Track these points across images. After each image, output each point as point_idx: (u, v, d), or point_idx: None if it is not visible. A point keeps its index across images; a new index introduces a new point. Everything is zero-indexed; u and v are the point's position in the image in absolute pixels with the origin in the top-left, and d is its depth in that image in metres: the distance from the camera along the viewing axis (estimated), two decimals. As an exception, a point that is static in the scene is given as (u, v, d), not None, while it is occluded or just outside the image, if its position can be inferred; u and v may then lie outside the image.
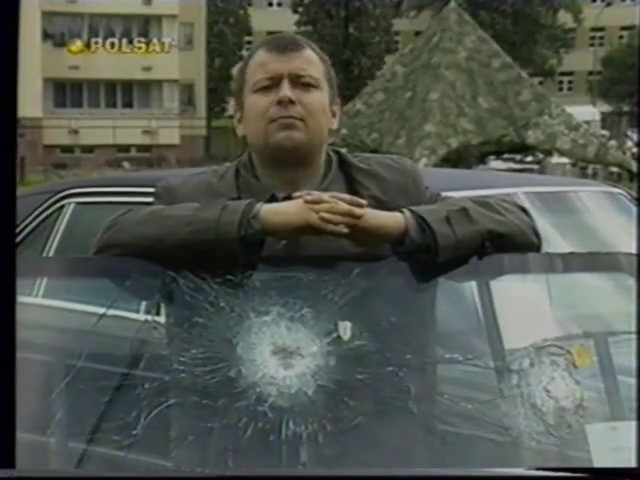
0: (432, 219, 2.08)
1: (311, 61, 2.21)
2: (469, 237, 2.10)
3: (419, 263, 2.10)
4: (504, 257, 2.17)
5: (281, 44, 2.21)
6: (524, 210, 2.23)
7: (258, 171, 2.21)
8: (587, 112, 37.47)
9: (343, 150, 2.35)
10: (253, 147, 2.22)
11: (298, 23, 49.77)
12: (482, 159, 19.15)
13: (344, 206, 2.05)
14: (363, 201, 2.08)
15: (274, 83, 2.17)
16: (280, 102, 2.15)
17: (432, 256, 2.07)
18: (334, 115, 2.26)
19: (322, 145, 2.22)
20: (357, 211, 2.05)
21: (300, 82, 2.18)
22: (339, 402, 2.04)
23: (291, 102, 2.15)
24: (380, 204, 2.13)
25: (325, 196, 2.06)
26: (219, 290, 2.06)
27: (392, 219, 2.08)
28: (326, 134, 2.22)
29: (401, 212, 2.09)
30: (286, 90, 2.16)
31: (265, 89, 2.18)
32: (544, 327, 2.19)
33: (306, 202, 2.05)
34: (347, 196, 2.08)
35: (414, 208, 2.11)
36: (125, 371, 2.07)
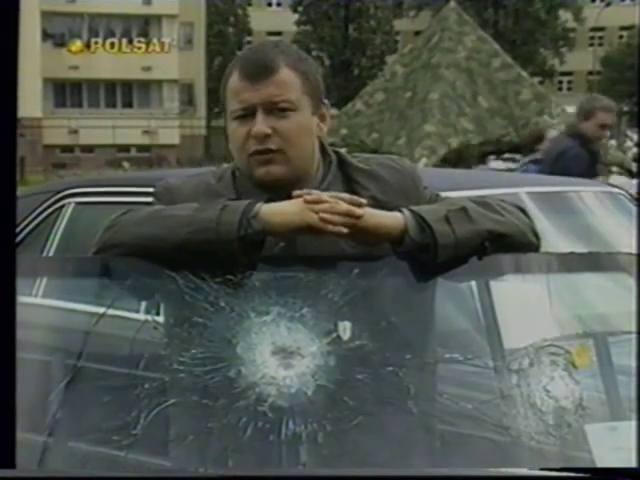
0: (431, 218, 2.08)
1: (286, 83, 2.14)
2: (469, 236, 2.10)
3: (419, 263, 2.10)
4: (504, 257, 2.17)
5: (252, 70, 2.13)
6: (523, 210, 2.24)
7: (237, 161, 2.21)
8: (587, 112, 37.37)
9: (343, 150, 2.35)
10: (240, 170, 2.21)
11: (298, 23, 49.77)
12: (482, 159, 19.14)
13: (344, 206, 2.05)
14: (363, 200, 2.08)
15: (248, 113, 2.13)
16: (255, 137, 2.12)
17: (432, 255, 2.07)
18: (323, 119, 2.22)
19: (310, 158, 2.19)
20: (357, 211, 2.05)
21: (275, 109, 2.13)
22: (339, 402, 2.04)
23: (266, 136, 2.12)
24: (379, 204, 2.13)
25: (325, 196, 2.06)
26: (219, 290, 2.06)
27: (392, 219, 2.08)
28: (313, 147, 2.20)
29: (400, 212, 2.09)
30: (260, 124, 2.11)
31: (241, 118, 2.14)
32: (544, 327, 2.19)
33: (306, 202, 2.05)
34: (347, 195, 2.08)
35: (413, 207, 2.11)
36: (125, 371, 2.07)
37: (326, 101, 2.25)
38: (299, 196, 2.06)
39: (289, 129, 2.13)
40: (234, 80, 2.16)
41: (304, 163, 2.17)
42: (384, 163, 2.27)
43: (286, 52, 2.18)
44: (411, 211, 2.09)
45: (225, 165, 2.31)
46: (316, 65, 2.25)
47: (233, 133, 2.17)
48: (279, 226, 2.04)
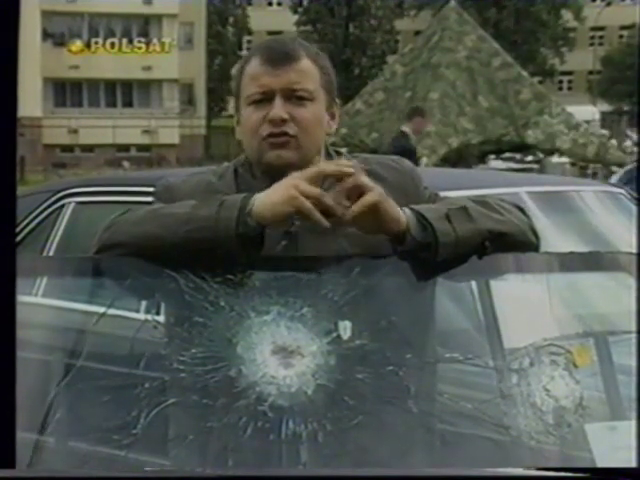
0: (432, 217, 2.08)
1: (306, 73, 2.17)
2: (469, 235, 2.10)
3: (419, 262, 2.10)
4: (504, 257, 2.17)
5: (274, 56, 2.17)
6: (522, 210, 2.24)
7: (256, 172, 2.21)
8: (587, 111, 37.45)
9: (343, 150, 2.35)
10: (248, 156, 2.22)
11: (298, 23, 49.76)
12: (482, 158, 19.14)
13: (328, 201, 2.03)
14: (349, 163, 2.08)
15: (267, 98, 2.15)
16: (271, 121, 2.13)
17: (432, 254, 2.07)
18: (333, 117, 2.24)
19: (318, 151, 2.20)
20: (346, 170, 2.03)
21: (294, 96, 2.15)
22: (339, 401, 2.04)
23: (283, 120, 2.13)
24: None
25: (309, 174, 2.03)
26: (219, 289, 2.06)
27: (397, 212, 2.07)
28: (323, 140, 2.21)
29: (402, 209, 2.09)
30: (278, 108, 2.13)
31: (258, 103, 2.15)
32: (544, 326, 2.19)
33: (295, 190, 2.02)
34: (332, 164, 2.08)
35: (414, 206, 2.11)
36: (125, 370, 2.07)
37: (338, 100, 2.26)
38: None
39: (305, 117, 2.15)
40: (254, 65, 2.18)
41: (313, 154, 2.18)
42: (384, 163, 2.27)
43: (305, 45, 2.23)
44: (412, 210, 2.09)
45: (226, 164, 2.31)
46: (331, 65, 2.27)
47: (248, 117, 2.17)
48: (272, 218, 2.03)
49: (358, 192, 2.02)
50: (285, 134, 2.13)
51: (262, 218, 2.02)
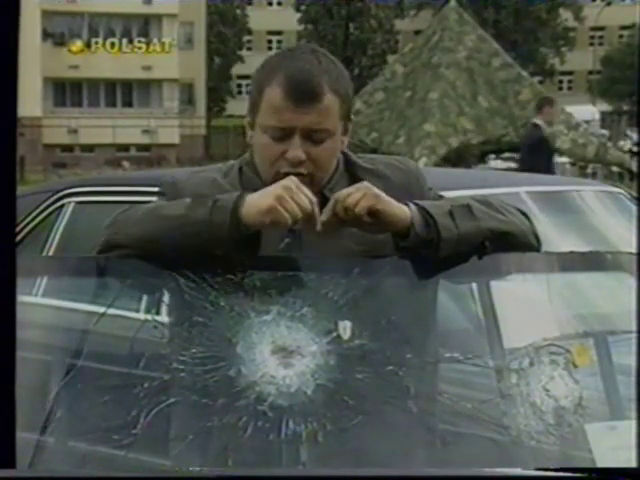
0: (436, 212, 2.08)
1: (328, 111, 2.12)
2: (471, 233, 2.10)
3: (419, 262, 2.10)
4: (504, 257, 2.17)
5: (298, 94, 2.10)
6: (524, 213, 2.24)
7: (261, 171, 2.21)
8: (587, 111, 37.43)
9: (347, 151, 2.35)
10: (260, 176, 2.19)
11: (298, 22, 49.76)
12: (482, 158, 19.12)
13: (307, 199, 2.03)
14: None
15: (286, 134, 2.11)
16: (289, 160, 2.11)
17: (434, 250, 2.07)
18: (346, 132, 2.21)
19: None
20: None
21: (313, 136, 2.12)
22: (339, 401, 2.04)
23: (300, 162, 2.11)
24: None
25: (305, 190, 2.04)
26: (219, 289, 2.06)
27: (401, 211, 2.07)
28: (335, 161, 2.20)
29: (407, 205, 2.10)
30: (296, 149, 2.10)
31: (276, 136, 2.12)
32: (544, 326, 2.19)
33: (282, 194, 2.02)
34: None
35: (419, 202, 2.11)
36: (125, 370, 2.07)
37: (352, 115, 2.24)
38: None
39: (322, 156, 2.13)
40: (276, 96, 2.12)
41: (326, 178, 2.18)
42: (389, 163, 2.27)
43: (328, 70, 2.15)
44: (417, 205, 2.10)
45: (232, 162, 2.31)
46: (348, 76, 2.21)
47: (264, 148, 2.15)
48: (255, 225, 2.03)
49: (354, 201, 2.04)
50: (300, 174, 2.11)
51: (249, 223, 2.03)
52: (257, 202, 2.03)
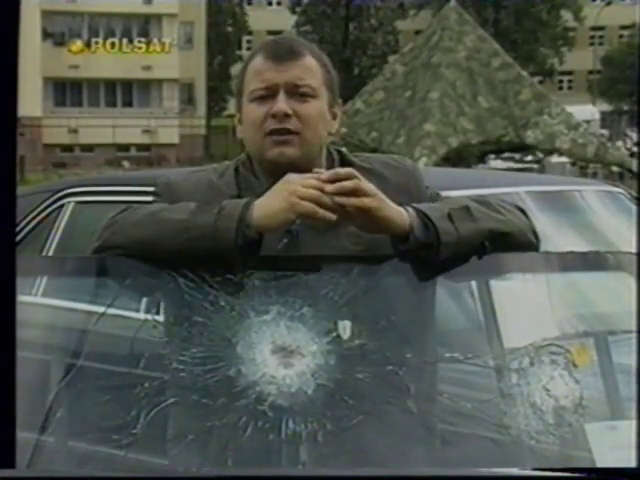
0: (435, 215, 2.08)
1: (309, 69, 2.18)
2: (471, 235, 2.10)
3: (419, 262, 2.10)
4: (504, 257, 2.17)
5: (278, 52, 2.17)
6: (522, 211, 2.24)
7: (257, 171, 2.21)
8: (587, 111, 37.43)
9: (343, 149, 2.35)
10: (250, 154, 2.22)
11: (298, 22, 49.74)
12: (482, 158, 19.13)
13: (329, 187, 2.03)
14: (353, 171, 2.07)
15: (270, 93, 2.15)
16: (275, 115, 2.14)
17: (434, 253, 2.07)
18: (334, 117, 2.24)
19: (320, 150, 2.21)
20: (347, 184, 2.04)
21: (297, 92, 2.15)
22: (339, 401, 2.04)
23: (286, 115, 2.13)
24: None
25: (309, 181, 2.04)
26: (219, 289, 2.06)
27: (399, 215, 2.07)
28: (325, 139, 2.22)
29: (405, 209, 2.09)
30: (281, 103, 2.14)
31: (261, 99, 2.16)
32: (544, 326, 2.19)
33: (294, 197, 2.03)
34: (332, 172, 2.07)
35: (416, 205, 2.11)
36: (125, 370, 2.07)
37: (339, 100, 2.26)
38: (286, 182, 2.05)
39: (308, 113, 2.16)
40: (257, 61, 2.19)
41: (315, 151, 2.18)
42: (386, 162, 2.27)
43: (309, 45, 2.25)
44: (415, 209, 2.09)
45: (227, 162, 2.31)
46: (331, 64, 2.27)
47: (250, 113, 2.17)
48: (276, 226, 2.04)
49: (358, 196, 2.03)
50: (288, 131, 2.14)
51: (264, 227, 2.03)
52: (268, 204, 2.04)
